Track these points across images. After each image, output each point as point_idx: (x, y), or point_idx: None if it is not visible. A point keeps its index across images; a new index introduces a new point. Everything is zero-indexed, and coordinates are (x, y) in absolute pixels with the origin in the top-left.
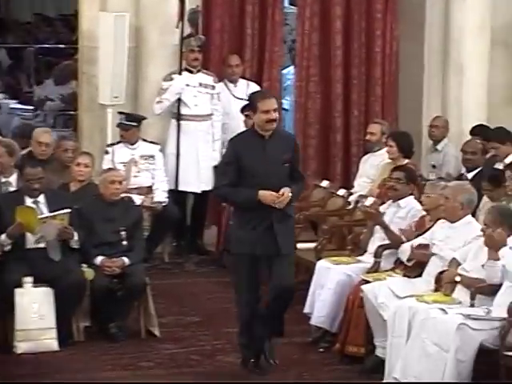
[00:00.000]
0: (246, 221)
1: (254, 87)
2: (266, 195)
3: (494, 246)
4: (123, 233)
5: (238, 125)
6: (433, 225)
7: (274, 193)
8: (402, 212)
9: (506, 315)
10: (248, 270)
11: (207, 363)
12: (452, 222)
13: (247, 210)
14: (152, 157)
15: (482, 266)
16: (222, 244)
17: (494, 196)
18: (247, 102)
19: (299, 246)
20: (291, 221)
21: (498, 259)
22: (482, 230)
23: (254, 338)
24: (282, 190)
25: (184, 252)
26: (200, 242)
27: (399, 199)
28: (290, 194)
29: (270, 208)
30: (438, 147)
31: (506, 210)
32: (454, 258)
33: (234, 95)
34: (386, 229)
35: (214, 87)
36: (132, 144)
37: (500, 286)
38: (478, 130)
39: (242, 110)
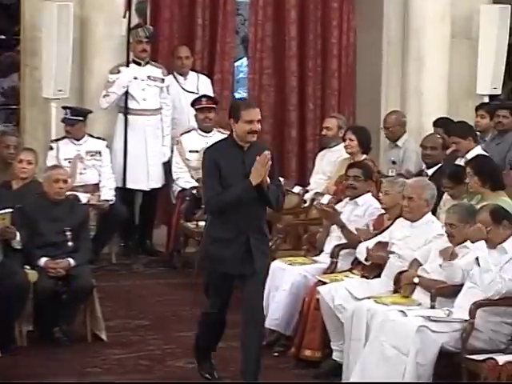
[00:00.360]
0: (220, 236)
1: (205, 80)
2: (253, 174)
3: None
4: (68, 233)
5: (188, 119)
6: (391, 223)
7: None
8: (360, 210)
9: (467, 317)
10: (220, 286)
11: (157, 368)
12: (413, 221)
13: (221, 225)
14: (98, 153)
15: (440, 265)
16: (172, 244)
17: (455, 193)
18: (230, 109)
19: None
20: (266, 239)
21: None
22: (448, 232)
23: (213, 344)
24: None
25: (132, 252)
26: (149, 242)
27: (356, 197)
28: (268, 182)
29: (245, 222)
30: (398, 143)
31: (473, 208)
32: (415, 259)
33: (183, 88)
34: (343, 228)
35: (163, 80)
36: (77, 140)
37: (461, 286)
38: (441, 123)
39: (193, 104)
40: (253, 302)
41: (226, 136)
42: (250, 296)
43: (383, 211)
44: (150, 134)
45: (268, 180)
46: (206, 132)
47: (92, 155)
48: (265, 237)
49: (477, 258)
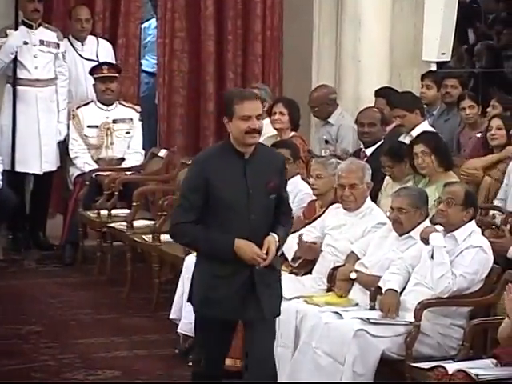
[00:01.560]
0: (216, 272)
1: (106, 45)
2: (245, 249)
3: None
4: None
5: (87, 91)
6: (324, 211)
7: (255, 248)
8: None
9: (412, 319)
10: (217, 337)
11: (52, 382)
12: (352, 209)
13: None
14: None
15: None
16: (66, 236)
17: (396, 174)
18: (223, 104)
19: (163, 237)
20: (276, 274)
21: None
22: (394, 218)
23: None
24: (266, 243)
25: (22, 246)
26: (42, 234)
27: None
28: (277, 244)
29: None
30: (331, 120)
31: (425, 194)
32: (351, 252)
33: (80, 55)
34: None
35: (58, 45)
36: None
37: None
38: (384, 93)
39: (92, 73)
40: (261, 354)
41: (221, 142)
42: (258, 348)
43: (314, 197)
44: (42, 108)
45: (275, 243)
46: (106, 105)
47: None
48: (273, 270)
49: (432, 250)
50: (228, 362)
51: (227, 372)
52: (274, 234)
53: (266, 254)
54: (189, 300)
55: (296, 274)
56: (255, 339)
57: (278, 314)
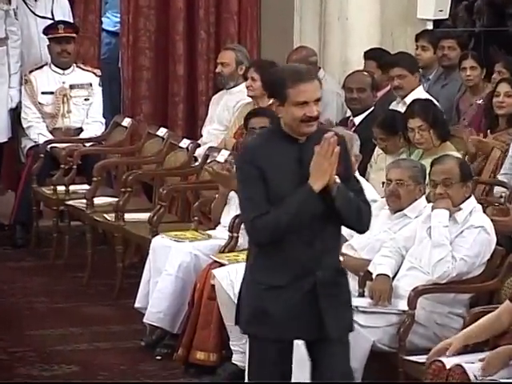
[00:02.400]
0: (270, 281)
1: (62, 1)
2: (314, 167)
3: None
4: None
5: (41, 53)
6: None
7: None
8: None
9: (405, 307)
10: (274, 362)
11: (3, 378)
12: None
13: (270, 262)
14: None
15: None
16: (17, 215)
17: (390, 147)
18: (270, 83)
19: (128, 216)
20: (345, 280)
21: None
22: (392, 191)
23: None
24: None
25: None
26: None
27: None
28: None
29: (308, 256)
30: None
31: (424, 167)
32: None
33: (34, 13)
34: None
35: (9, 1)
36: None
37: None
38: (375, 55)
39: (46, 32)
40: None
41: (269, 125)
42: (330, 369)
43: None
44: None
45: (337, 180)
46: (62, 68)
47: None
48: (341, 276)
49: (429, 228)
50: (200, 355)
51: (198, 367)
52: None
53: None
54: (236, 322)
55: None
56: (322, 361)
57: (351, 330)
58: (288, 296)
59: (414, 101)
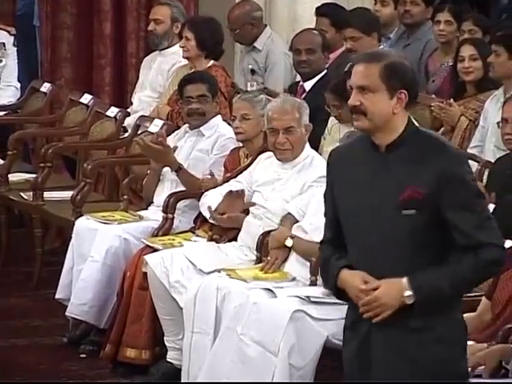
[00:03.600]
0: (346, 315)
1: None
2: (348, 282)
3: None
4: None
5: None
6: (251, 161)
7: (359, 281)
8: (206, 143)
9: None
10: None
11: None
12: (288, 159)
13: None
14: None
15: None
16: None
17: (343, 114)
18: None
19: (47, 195)
20: (424, 337)
21: None
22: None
23: None
24: (380, 283)
25: None
26: None
27: (202, 124)
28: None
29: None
30: (257, 45)
31: None
32: (288, 213)
33: None
34: (179, 171)
35: None
36: None
37: None
38: (328, 11)
39: None
40: None
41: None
42: None
43: (239, 144)
44: None
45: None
46: None
47: None
48: (410, 330)
49: None
50: (130, 352)
51: (129, 365)
52: (404, 280)
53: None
54: None
55: (217, 242)
56: None
57: None
58: (349, 339)
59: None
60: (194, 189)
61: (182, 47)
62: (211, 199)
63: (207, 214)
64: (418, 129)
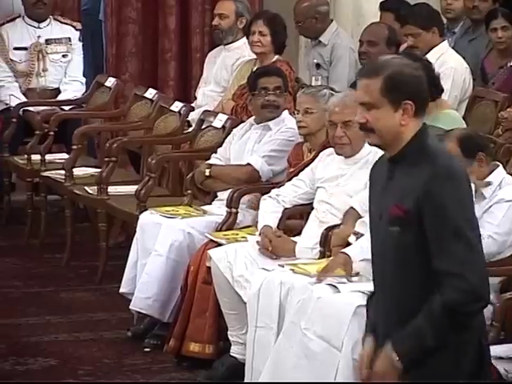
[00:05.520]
0: None
1: None
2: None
3: None
4: None
5: (13, 3)
6: (315, 157)
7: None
8: (270, 134)
9: None
10: None
11: None
12: (347, 153)
13: None
14: None
15: None
16: None
17: None
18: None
19: (112, 189)
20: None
21: None
22: None
23: None
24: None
25: None
26: None
27: (273, 118)
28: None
29: (380, 316)
30: (322, 39)
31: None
32: (351, 208)
33: None
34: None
35: None
36: None
37: None
38: (392, 6)
39: None
40: None
41: None
42: None
43: (301, 139)
44: None
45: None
46: (37, 21)
47: None
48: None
49: None
50: (194, 347)
51: (193, 359)
52: (388, 348)
53: None
54: None
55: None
56: None
57: None
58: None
59: None
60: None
61: (256, 42)
62: (265, 213)
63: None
64: (426, 140)
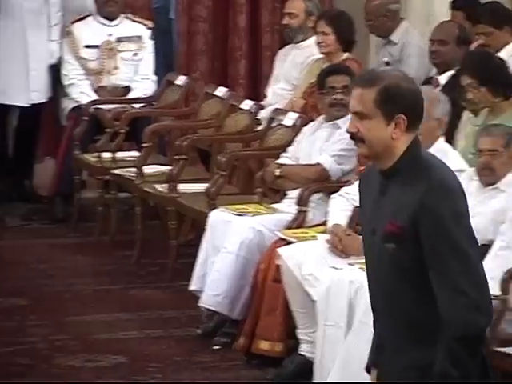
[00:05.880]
0: None
1: None
2: None
3: None
4: None
5: (84, 2)
6: None
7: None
8: (339, 133)
9: (497, 292)
10: None
11: (41, 369)
12: None
13: None
14: None
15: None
16: (57, 185)
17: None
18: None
19: (182, 187)
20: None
21: None
22: (484, 164)
23: None
24: None
25: (3, 199)
26: (28, 182)
27: (342, 117)
28: None
29: (382, 330)
30: (393, 38)
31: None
32: None
33: None
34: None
35: None
36: None
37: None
38: (464, 4)
39: None
40: None
41: None
42: None
43: None
44: (30, 22)
45: None
46: (109, 19)
47: None
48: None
49: None
50: (264, 344)
51: (262, 357)
52: None
53: None
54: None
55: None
56: None
57: None
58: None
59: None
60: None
61: (320, 43)
62: (335, 212)
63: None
64: (418, 154)
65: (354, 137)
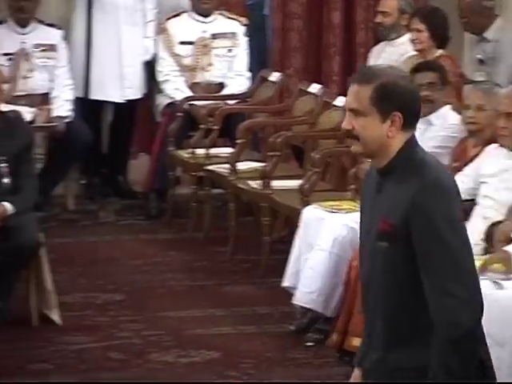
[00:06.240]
0: None
1: None
2: None
3: None
4: (3, 165)
5: None
6: (478, 153)
7: None
8: (433, 131)
9: None
10: None
11: (135, 364)
12: (508, 146)
13: None
14: (52, 47)
15: None
16: (152, 182)
17: None
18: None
19: (275, 183)
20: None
21: None
22: None
23: None
24: None
25: (98, 194)
26: (123, 178)
27: (431, 113)
28: None
29: (369, 320)
30: (487, 35)
31: None
32: None
33: None
34: None
35: None
36: (22, 26)
37: None
38: None
39: None
40: None
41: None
42: None
43: (465, 134)
44: (125, 19)
45: None
46: (203, 16)
47: (43, 50)
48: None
49: None
50: (356, 341)
51: (354, 354)
52: None
53: None
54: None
55: None
56: None
57: None
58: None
59: None
60: None
61: (414, 40)
62: None
63: None
64: (413, 152)
65: (348, 134)
